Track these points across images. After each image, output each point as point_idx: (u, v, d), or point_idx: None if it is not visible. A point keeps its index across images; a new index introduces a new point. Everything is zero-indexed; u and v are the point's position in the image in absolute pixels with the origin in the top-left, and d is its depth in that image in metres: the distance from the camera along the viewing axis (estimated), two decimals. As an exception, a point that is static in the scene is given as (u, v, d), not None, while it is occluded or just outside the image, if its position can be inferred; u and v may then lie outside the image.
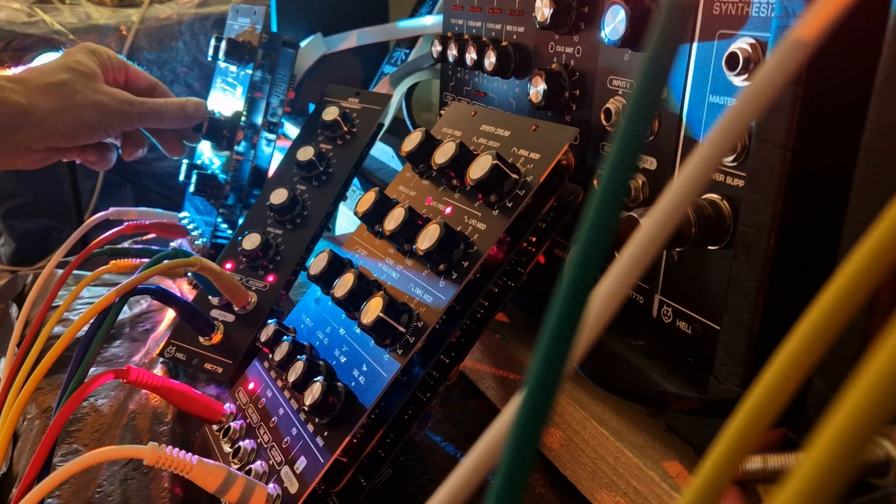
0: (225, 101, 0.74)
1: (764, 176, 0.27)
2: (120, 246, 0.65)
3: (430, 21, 0.79)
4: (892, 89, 0.22)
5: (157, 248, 0.63)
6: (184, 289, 0.68)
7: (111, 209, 0.68)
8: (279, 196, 0.57)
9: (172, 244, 0.73)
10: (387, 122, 0.72)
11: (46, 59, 0.62)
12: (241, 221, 0.64)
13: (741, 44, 0.30)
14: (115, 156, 0.67)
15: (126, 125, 0.62)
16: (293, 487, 0.36)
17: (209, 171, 0.71)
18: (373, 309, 0.37)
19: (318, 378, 0.38)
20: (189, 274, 0.60)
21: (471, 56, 0.51)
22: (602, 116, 0.39)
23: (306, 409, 0.37)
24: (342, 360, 0.40)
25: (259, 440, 0.41)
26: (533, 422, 0.13)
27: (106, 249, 0.61)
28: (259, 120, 0.68)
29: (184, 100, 0.66)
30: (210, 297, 0.56)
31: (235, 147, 0.68)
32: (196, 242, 0.70)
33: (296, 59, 0.70)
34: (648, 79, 0.14)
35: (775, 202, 0.27)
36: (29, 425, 0.49)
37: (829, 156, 0.27)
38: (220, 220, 0.69)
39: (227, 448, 0.42)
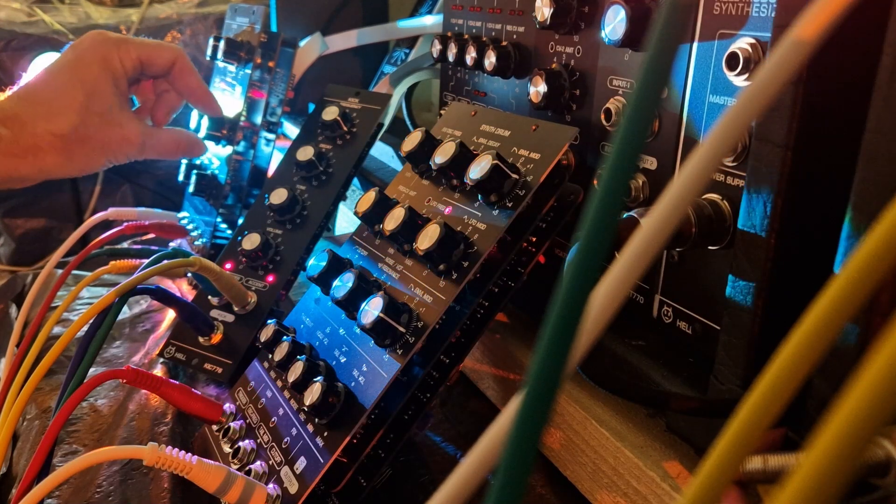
0: (224, 100, 0.74)
1: (764, 176, 0.27)
2: (119, 246, 0.65)
3: (430, 21, 0.79)
4: (893, 89, 0.22)
5: (156, 248, 0.64)
6: (183, 289, 0.68)
7: (111, 209, 0.68)
8: (279, 196, 0.57)
9: (172, 244, 0.73)
10: (387, 121, 0.72)
11: (47, 59, 0.60)
12: (240, 221, 0.64)
13: (741, 44, 0.30)
14: None
15: (136, 158, 0.62)
16: (293, 488, 0.36)
17: (208, 171, 0.71)
18: (373, 309, 0.37)
19: (318, 378, 0.38)
20: (189, 274, 0.60)
21: (471, 56, 0.51)
22: (602, 116, 0.39)
23: (306, 409, 0.37)
24: (342, 361, 0.40)
25: (259, 440, 0.41)
26: (533, 422, 0.13)
27: (105, 250, 0.61)
28: (258, 120, 0.68)
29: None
30: (210, 297, 0.56)
31: (235, 147, 0.68)
32: (196, 243, 0.70)
33: (295, 58, 0.69)
34: (649, 79, 0.14)
35: (775, 202, 0.27)
36: (28, 425, 0.49)
37: (829, 156, 0.27)
38: (219, 220, 0.69)
39: (226, 448, 0.42)
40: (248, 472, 0.39)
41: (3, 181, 0.56)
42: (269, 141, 0.70)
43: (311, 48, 0.87)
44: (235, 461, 0.40)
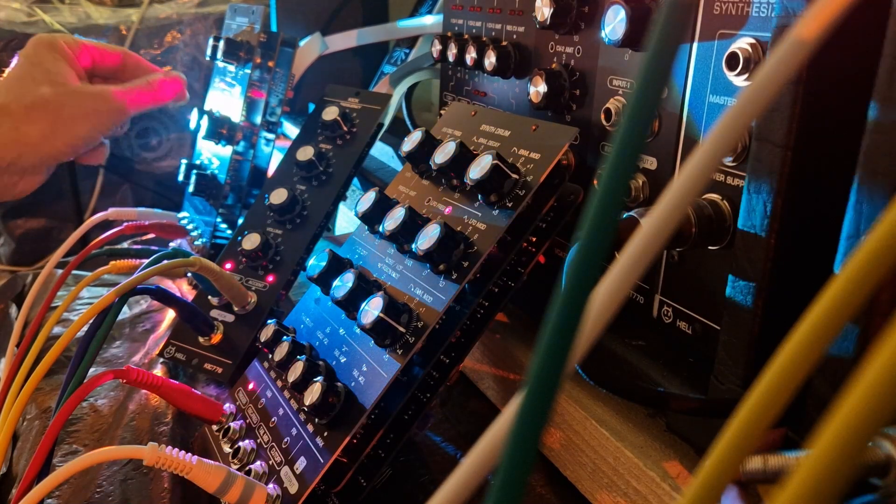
0: (223, 100, 0.74)
1: (764, 176, 0.27)
2: (119, 246, 0.65)
3: (430, 21, 0.79)
4: (893, 89, 0.22)
5: (156, 248, 0.64)
6: (184, 289, 0.68)
7: (111, 210, 0.68)
8: (279, 196, 0.57)
9: (172, 244, 0.73)
10: (387, 121, 0.72)
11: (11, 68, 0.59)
12: (240, 221, 0.64)
13: (741, 44, 0.30)
14: (108, 146, 0.65)
15: (122, 120, 0.61)
16: (293, 488, 0.36)
17: (208, 172, 0.71)
18: (373, 309, 0.37)
19: (318, 378, 0.38)
20: (189, 274, 0.60)
21: (471, 56, 0.51)
22: (602, 116, 0.39)
23: (306, 409, 0.37)
24: (342, 361, 0.40)
25: (259, 440, 0.41)
26: (533, 422, 0.13)
27: (105, 250, 0.61)
28: (258, 119, 0.68)
29: (166, 75, 0.64)
30: (210, 297, 0.56)
31: (234, 147, 0.68)
32: (195, 243, 0.70)
33: (294, 58, 0.70)
34: (649, 79, 0.14)
35: (775, 202, 0.27)
36: (28, 426, 0.49)
37: (829, 156, 0.27)
38: (219, 220, 0.69)
39: (226, 448, 0.42)
40: (248, 472, 0.39)
41: None
42: (268, 141, 0.70)
43: (310, 48, 0.87)
44: (235, 461, 0.40)
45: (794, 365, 0.12)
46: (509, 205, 0.37)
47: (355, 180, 0.68)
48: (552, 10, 0.41)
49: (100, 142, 0.62)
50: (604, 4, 0.37)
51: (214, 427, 0.44)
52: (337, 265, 0.43)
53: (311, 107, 0.72)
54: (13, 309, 0.68)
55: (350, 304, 0.40)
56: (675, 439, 0.34)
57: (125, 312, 0.64)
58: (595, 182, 0.14)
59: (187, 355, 0.54)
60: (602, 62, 0.40)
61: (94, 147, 0.63)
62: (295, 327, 0.46)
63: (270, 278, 0.56)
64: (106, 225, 0.67)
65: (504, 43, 0.48)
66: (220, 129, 0.69)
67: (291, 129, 0.86)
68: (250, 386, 0.45)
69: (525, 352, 0.44)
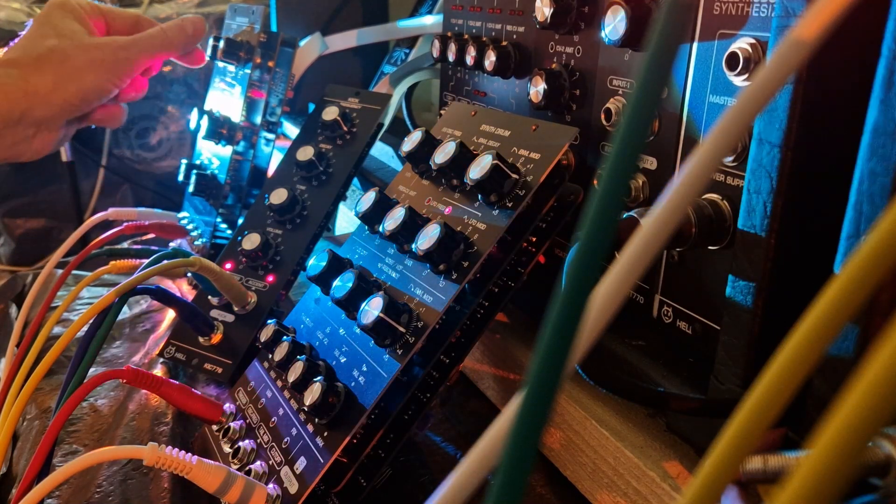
0: (223, 100, 0.74)
1: (764, 176, 0.27)
2: (119, 246, 0.65)
3: (430, 21, 0.79)
4: (891, 89, 0.22)
5: (156, 248, 0.64)
6: (183, 289, 0.68)
7: (111, 210, 0.68)
8: (279, 196, 0.57)
9: (172, 244, 0.73)
10: (387, 121, 0.72)
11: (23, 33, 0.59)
12: (240, 221, 0.64)
13: (741, 44, 0.30)
14: (125, 110, 0.65)
15: (130, 70, 0.60)
16: (293, 488, 0.36)
17: (208, 172, 0.71)
18: (373, 309, 0.37)
19: (318, 378, 0.38)
20: (189, 274, 0.60)
21: (471, 56, 0.51)
22: (602, 116, 0.39)
23: (306, 409, 0.37)
24: (342, 361, 0.40)
25: (259, 440, 0.41)
26: (533, 422, 0.13)
27: (105, 250, 0.61)
28: (258, 120, 0.68)
29: (180, 20, 0.63)
30: (210, 297, 0.56)
31: (234, 147, 0.68)
32: (196, 243, 0.70)
33: (294, 58, 0.70)
34: (649, 79, 0.14)
35: (775, 202, 0.27)
36: (28, 426, 0.49)
37: (829, 156, 0.27)
38: (219, 220, 0.69)
39: (226, 448, 0.42)
40: (248, 472, 0.39)
41: None
42: (268, 141, 0.70)
43: (310, 48, 0.87)
44: (235, 461, 0.40)
45: (794, 365, 0.12)
46: (509, 205, 0.37)
47: (355, 180, 0.68)
48: (552, 10, 0.41)
49: (113, 97, 0.61)
50: (604, 4, 0.37)
51: (214, 427, 0.44)
52: (337, 265, 0.43)
53: (311, 107, 0.72)
54: (13, 309, 0.68)
55: (350, 304, 0.40)
56: (675, 439, 0.34)
57: (125, 312, 0.64)
58: (595, 182, 0.14)
59: (187, 355, 0.54)
60: (602, 62, 0.40)
61: (109, 106, 0.62)
62: (295, 327, 0.46)
63: (270, 278, 0.56)
64: (106, 225, 0.67)
65: (504, 43, 0.48)
66: (220, 129, 0.69)
67: (291, 129, 0.86)
68: (250, 386, 0.45)
69: (525, 352, 0.44)
